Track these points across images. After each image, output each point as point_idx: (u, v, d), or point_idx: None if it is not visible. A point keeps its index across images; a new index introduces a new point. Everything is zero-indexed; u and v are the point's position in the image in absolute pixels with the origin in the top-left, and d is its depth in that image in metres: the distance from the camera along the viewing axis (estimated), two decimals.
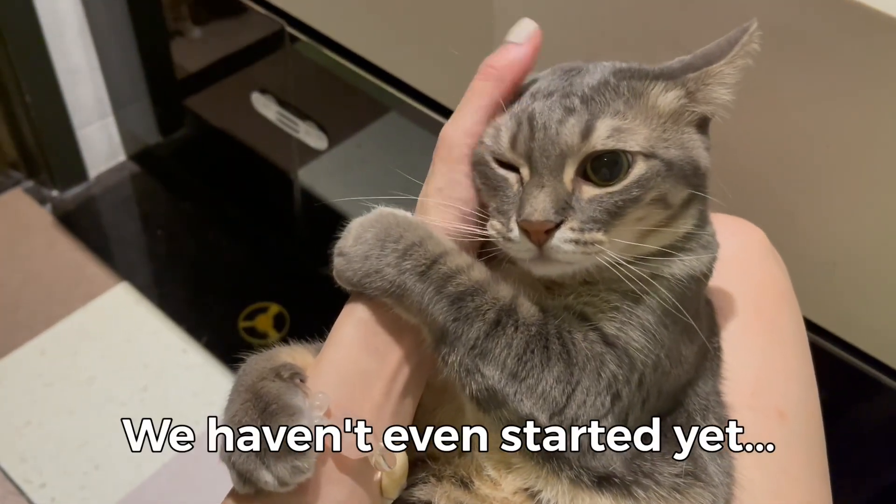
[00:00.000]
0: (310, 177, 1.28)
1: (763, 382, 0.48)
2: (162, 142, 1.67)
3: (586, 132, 0.36)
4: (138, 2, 1.48)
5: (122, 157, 1.68)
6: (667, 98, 0.39)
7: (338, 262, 0.40)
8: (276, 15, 1.07)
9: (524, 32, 0.41)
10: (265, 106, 1.19)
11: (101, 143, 1.62)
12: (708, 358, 0.45)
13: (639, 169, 0.37)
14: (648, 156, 0.37)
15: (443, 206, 0.41)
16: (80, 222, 1.55)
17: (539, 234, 0.36)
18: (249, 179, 1.49)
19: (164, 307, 1.39)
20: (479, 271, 0.39)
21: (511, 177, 0.39)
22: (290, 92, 1.15)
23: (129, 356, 1.33)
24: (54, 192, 1.58)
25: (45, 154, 1.53)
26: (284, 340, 0.46)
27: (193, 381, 1.29)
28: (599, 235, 0.37)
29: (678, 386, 0.43)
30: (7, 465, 1.17)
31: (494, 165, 0.40)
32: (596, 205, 0.37)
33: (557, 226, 0.36)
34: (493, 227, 0.39)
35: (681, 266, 0.40)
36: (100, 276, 1.45)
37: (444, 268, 0.38)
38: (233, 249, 1.52)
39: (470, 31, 0.77)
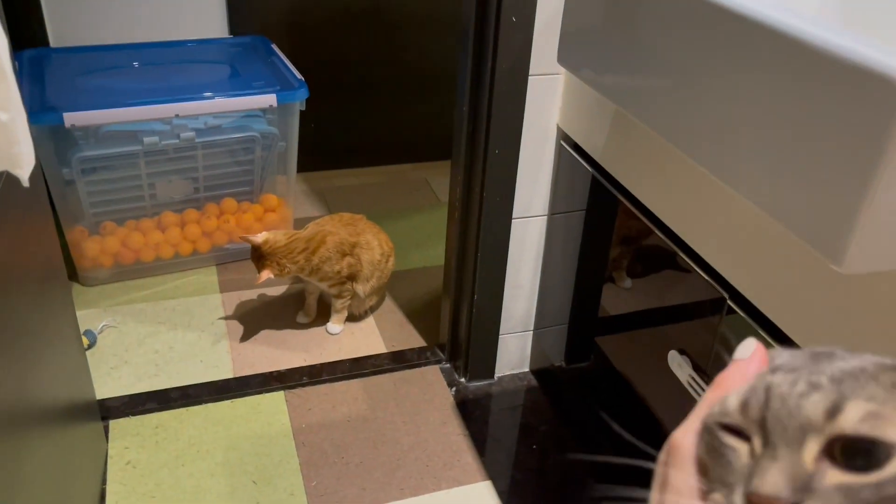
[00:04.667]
0: None
1: None
2: (565, 367, 1.77)
3: (833, 411, 0.33)
4: (589, 247, 1.67)
5: (526, 368, 1.83)
6: None
7: None
8: (720, 286, 1.10)
9: (748, 350, 0.41)
10: (679, 367, 1.20)
11: (514, 350, 1.80)
12: None
13: None
14: None
15: None
16: (472, 412, 1.70)
17: None
18: (633, 430, 1.48)
19: None
20: None
21: (740, 448, 0.35)
22: (711, 361, 1.14)
23: None
24: (462, 380, 1.78)
25: (469, 348, 1.74)
26: None
27: None
28: None
29: None
30: None
31: (720, 433, 0.36)
32: (844, 494, 0.31)
33: None
34: (714, 500, 0.35)
35: None
36: (471, 467, 1.55)
37: None
38: (593, 491, 1.50)
39: None
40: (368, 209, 2.18)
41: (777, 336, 0.95)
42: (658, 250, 1.35)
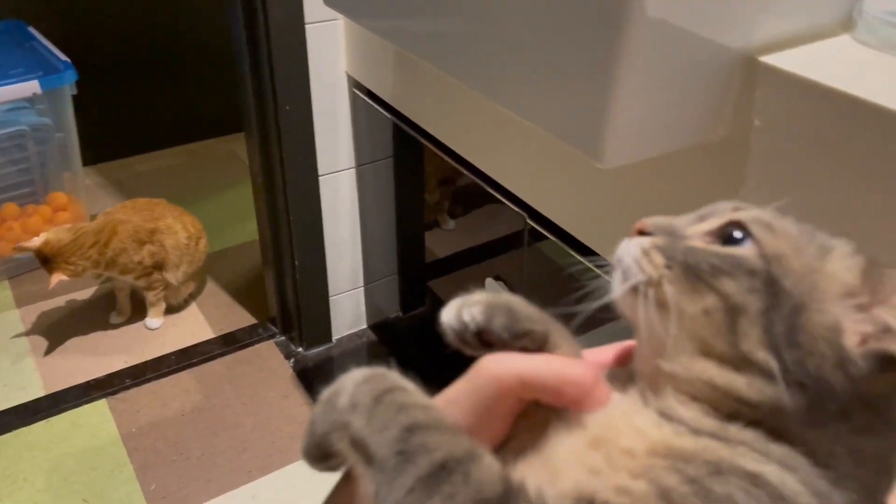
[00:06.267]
0: None
1: None
2: (401, 316, 1.77)
3: (737, 208, 0.35)
4: (404, 193, 1.65)
5: (363, 325, 1.80)
6: (841, 265, 0.31)
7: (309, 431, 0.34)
8: (519, 208, 1.12)
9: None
10: (495, 291, 1.22)
11: (348, 310, 1.77)
12: None
13: (742, 253, 0.32)
14: (764, 259, 0.31)
15: None
16: (314, 380, 1.65)
17: (634, 232, 0.36)
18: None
19: None
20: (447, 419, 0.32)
21: None
22: (523, 285, 1.17)
23: None
24: (299, 349, 1.73)
25: (301, 315, 1.69)
26: None
27: None
28: (660, 260, 0.33)
29: None
30: None
31: None
32: (685, 250, 0.33)
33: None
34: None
35: (774, 473, 0.27)
36: None
37: (399, 396, 0.32)
38: None
39: None
40: (175, 192, 2.04)
41: (577, 246, 0.98)
42: (473, 188, 1.36)
